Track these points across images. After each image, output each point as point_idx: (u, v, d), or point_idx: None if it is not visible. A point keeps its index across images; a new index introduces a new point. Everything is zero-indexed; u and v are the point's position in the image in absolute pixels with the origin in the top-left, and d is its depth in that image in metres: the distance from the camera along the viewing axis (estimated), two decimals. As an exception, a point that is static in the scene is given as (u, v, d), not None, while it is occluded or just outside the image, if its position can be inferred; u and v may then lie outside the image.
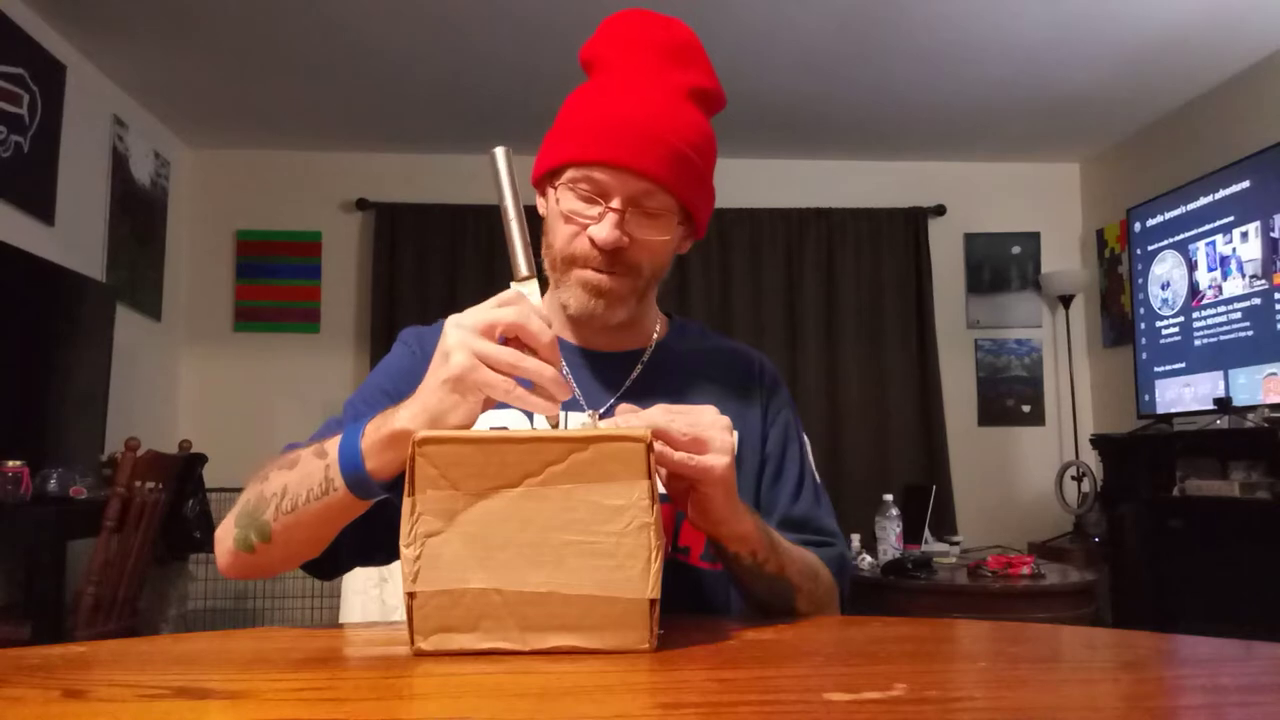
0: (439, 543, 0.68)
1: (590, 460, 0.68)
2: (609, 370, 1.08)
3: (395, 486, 0.80)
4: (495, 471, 0.68)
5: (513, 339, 0.79)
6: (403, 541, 0.68)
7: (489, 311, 0.79)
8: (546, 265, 1.05)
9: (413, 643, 0.68)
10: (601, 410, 1.05)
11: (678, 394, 1.05)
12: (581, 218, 0.99)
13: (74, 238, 3.59)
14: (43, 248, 3.29)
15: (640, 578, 0.69)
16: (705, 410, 0.85)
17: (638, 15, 1.04)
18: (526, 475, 0.68)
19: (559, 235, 1.02)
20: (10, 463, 2.68)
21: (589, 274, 1.01)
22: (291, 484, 0.86)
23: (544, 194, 1.06)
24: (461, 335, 0.77)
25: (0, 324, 3.02)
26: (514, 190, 0.86)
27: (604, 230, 0.98)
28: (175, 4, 3.28)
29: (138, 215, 4.12)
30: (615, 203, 0.98)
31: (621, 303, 1.03)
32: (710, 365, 1.12)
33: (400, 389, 0.93)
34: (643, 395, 1.05)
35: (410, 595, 0.68)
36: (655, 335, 1.13)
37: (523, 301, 0.81)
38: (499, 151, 0.86)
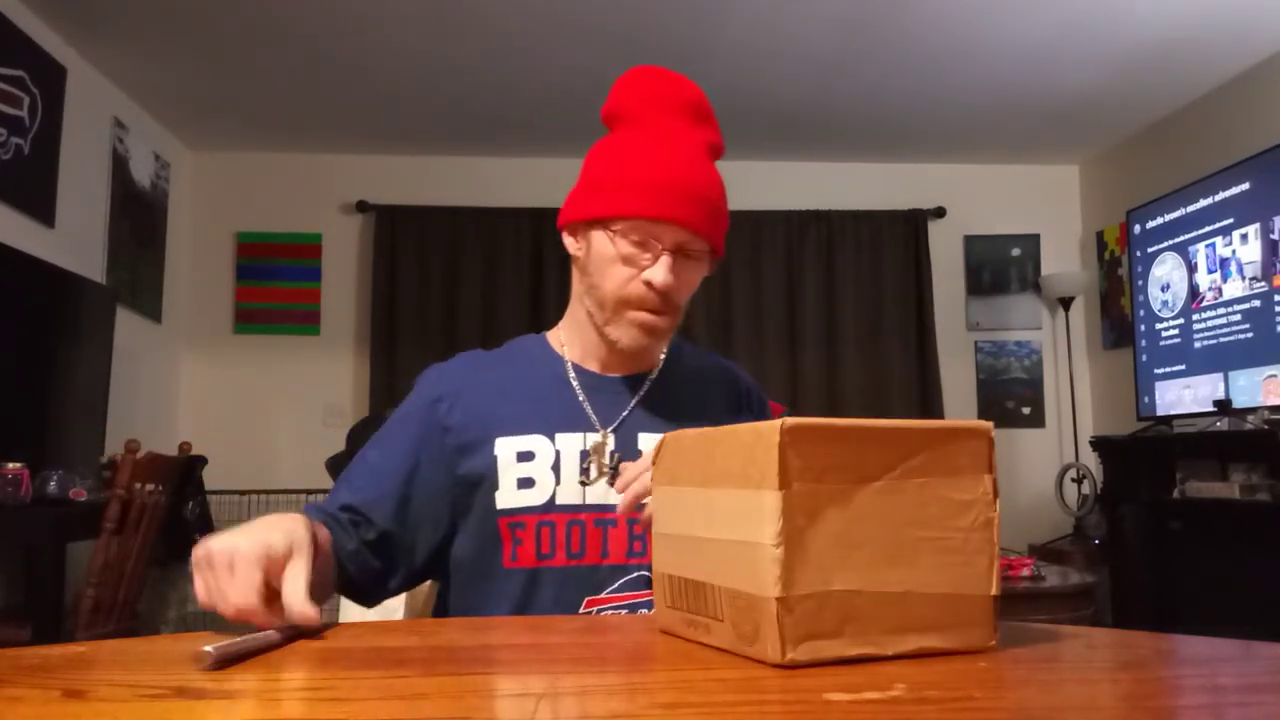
0: (804, 541, 0.63)
1: (941, 454, 0.67)
2: (621, 392, 1.19)
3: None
4: (858, 464, 0.65)
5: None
6: (767, 540, 0.62)
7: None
8: (591, 304, 1.15)
9: (782, 653, 0.62)
10: (613, 426, 1.15)
11: (676, 409, 1.18)
12: (638, 262, 1.10)
13: (74, 240, 3.59)
14: (43, 250, 3.29)
15: (986, 574, 0.68)
16: None
17: (656, 74, 1.15)
18: (885, 469, 0.66)
19: (611, 278, 1.11)
20: (10, 464, 2.68)
21: (644, 316, 1.11)
22: None
23: (579, 236, 1.16)
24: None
25: (1, 326, 3.02)
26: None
27: (660, 274, 1.08)
28: (175, 7, 3.28)
29: (138, 217, 4.12)
30: (665, 249, 1.09)
31: (663, 337, 1.16)
32: (702, 383, 1.26)
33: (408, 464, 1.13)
34: (649, 411, 1.18)
35: (780, 600, 0.62)
36: (660, 357, 1.24)
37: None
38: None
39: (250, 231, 4.67)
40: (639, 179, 1.09)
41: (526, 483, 1.09)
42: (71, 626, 2.66)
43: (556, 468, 1.10)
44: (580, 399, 1.16)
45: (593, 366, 1.19)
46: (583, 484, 1.10)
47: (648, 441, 1.13)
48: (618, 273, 1.10)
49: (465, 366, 1.21)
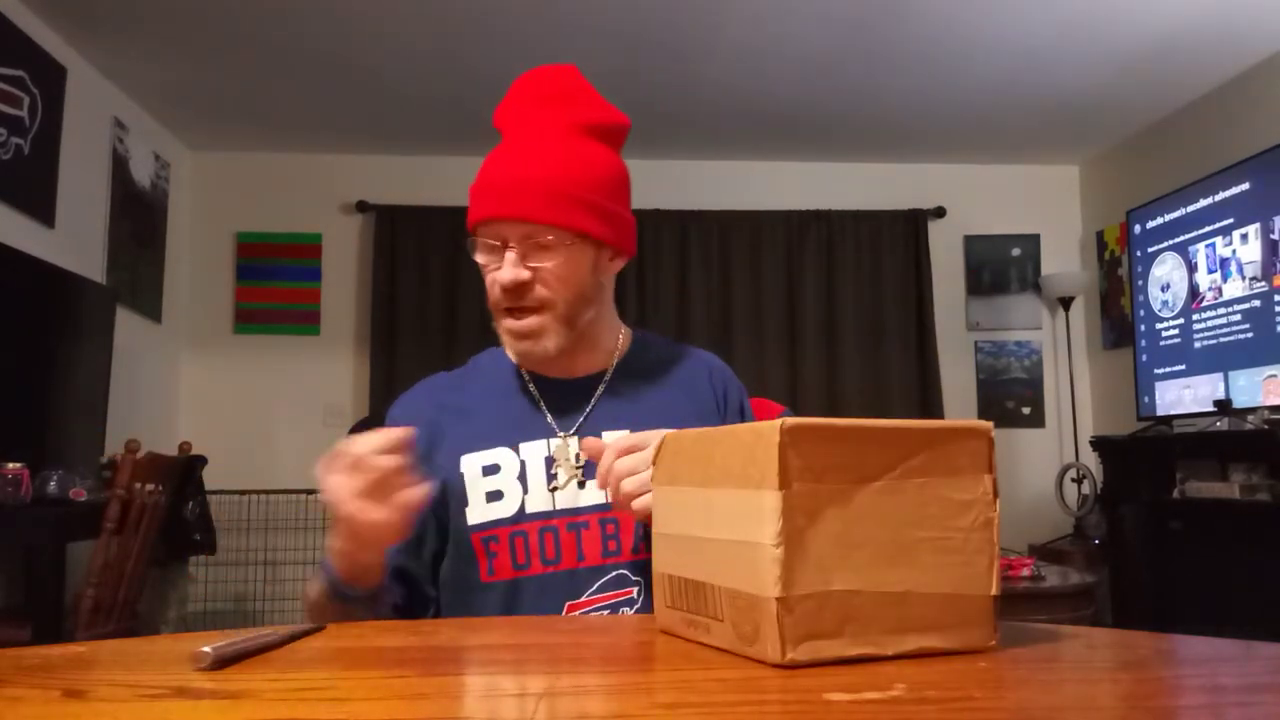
0: (804, 541, 0.63)
1: (941, 454, 0.67)
2: (574, 395, 1.17)
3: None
4: (858, 464, 0.65)
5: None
6: (767, 540, 0.62)
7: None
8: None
9: (782, 653, 0.62)
10: (573, 429, 1.14)
11: (636, 404, 1.16)
12: (491, 266, 1.11)
13: (74, 240, 3.59)
14: (43, 250, 3.29)
15: (986, 574, 0.68)
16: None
17: (530, 74, 1.14)
18: (885, 469, 0.66)
19: (487, 289, 1.13)
20: (10, 464, 2.68)
21: (508, 321, 1.11)
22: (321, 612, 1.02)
23: None
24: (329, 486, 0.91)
25: (1, 326, 3.02)
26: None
27: (506, 272, 1.08)
28: (176, 7, 3.28)
29: (138, 217, 4.12)
30: (510, 245, 1.08)
31: (545, 335, 1.11)
32: (663, 374, 1.22)
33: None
34: (608, 409, 1.16)
35: (780, 600, 0.62)
36: (617, 354, 1.21)
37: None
38: None
39: (250, 231, 4.67)
40: (475, 186, 1.11)
41: (495, 495, 1.09)
42: (71, 626, 2.66)
43: (523, 477, 1.10)
44: (539, 406, 1.16)
45: (546, 372, 1.19)
46: (552, 490, 1.10)
47: (611, 440, 1.14)
48: (487, 282, 1.12)
49: (426, 392, 1.22)
